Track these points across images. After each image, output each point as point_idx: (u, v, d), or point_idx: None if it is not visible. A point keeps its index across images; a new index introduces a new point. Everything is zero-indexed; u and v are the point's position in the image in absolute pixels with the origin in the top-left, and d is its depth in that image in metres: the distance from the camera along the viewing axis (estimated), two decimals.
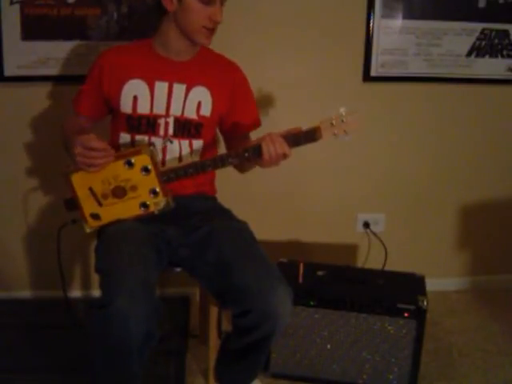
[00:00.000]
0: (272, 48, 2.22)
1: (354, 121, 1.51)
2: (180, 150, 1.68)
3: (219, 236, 1.60)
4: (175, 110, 1.67)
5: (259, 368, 1.70)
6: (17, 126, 2.20)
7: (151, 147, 1.54)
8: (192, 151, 1.70)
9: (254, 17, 2.18)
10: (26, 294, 2.38)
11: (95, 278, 1.56)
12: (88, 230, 1.60)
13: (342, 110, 1.50)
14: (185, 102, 1.67)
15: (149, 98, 1.66)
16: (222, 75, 1.74)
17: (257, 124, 1.82)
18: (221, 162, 1.55)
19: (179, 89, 1.67)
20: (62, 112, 2.16)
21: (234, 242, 1.58)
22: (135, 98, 1.66)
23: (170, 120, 1.67)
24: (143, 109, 1.66)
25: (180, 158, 1.68)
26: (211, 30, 1.62)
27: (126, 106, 1.66)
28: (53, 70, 2.12)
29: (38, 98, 2.17)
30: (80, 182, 1.55)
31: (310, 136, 1.52)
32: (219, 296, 1.57)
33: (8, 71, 2.10)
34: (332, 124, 1.51)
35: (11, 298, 2.34)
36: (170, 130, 1.67)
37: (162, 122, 1.66)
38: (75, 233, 2.15)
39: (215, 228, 1.62)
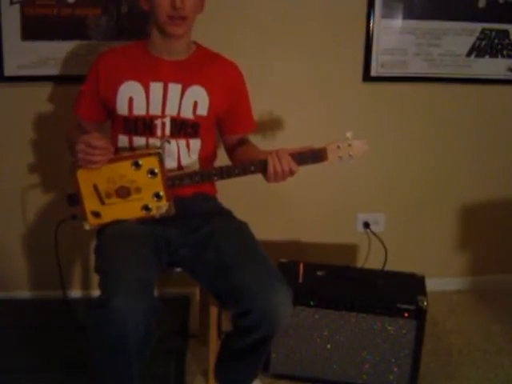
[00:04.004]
0: (272, 48, 2.22)
1: (361, 146, 1.56)
2: (178, 150, 1.68)
3: (219, 237, 1.60)
4: (171, 110, 1.66)
5: (259, 368, 1.70)
6: (17, 127, 2.20)
7: (160, 151, 1.55)
8: (189, 151, 1.70)
9: (253, 16, 2.18)
10: (24, 294, 2.38)
11: (95, 278, 1.56)
12: (87, 227, 1.60)
13: (349, 135, 1.54)
14: (181, 101, 1.66)
15: (144, 99, 1.65)
16: (220, 74, 1.73)
17: (253, 126, 1.84)
18: (227, 173, 1.57)
19: (175, 89, 1.66)
20: (62, 112, 2.17)
21: (234, 242, 1.59)
22: (131, 100, 1.65)
23: (167, 120, 1.66)
24: (139, 110, 1.66)
25: (178, 159, 1.68)
26: (178, 19, 1.59)
27: (122, 108, 1.66)
28: (53, 70, 2.12)
29: (38, 98, 2.17)
30: (85, 179, 1.55)
31: (316, 157, 1.55)
32: (219, 296, 1.57)
33: (8, 71, 2.10)
34: (338, 147, 1.55)
35: (10, 298, 2.34)
36: (167, 131, 1.66)
37: (158, 122, 1.66)
38: (75, 232, 2.16)
39: (215, 229, 1.63)
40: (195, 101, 1.68)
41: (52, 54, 2.10)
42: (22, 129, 2.20)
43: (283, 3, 2.18)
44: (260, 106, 2.18)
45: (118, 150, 1.68)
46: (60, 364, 1.91)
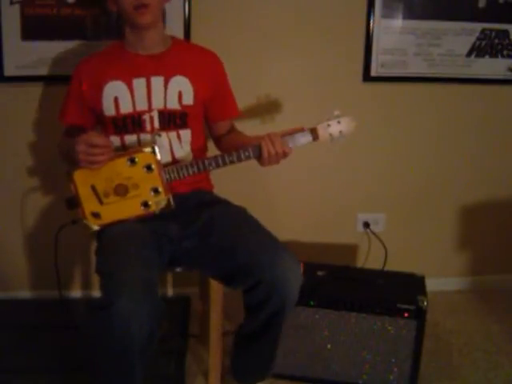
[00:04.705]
0: (272, 48, 2.22)
1: (350, 122, 1.60)
2: (169, 142, 1.69)
3: (220, 221, 1.63)
4: (157, 103, 1.67)
5: (274, 357, 1.68)
6: (16, 127, 2.20)
7: (155, 146, 1.57)
8: (181, 142, 1.70)
9: (253, 16, 2.18)
10: (25, 294, 2.38)
11: (95, 279, 1.56)
12: (95, 228, 1.59)
13: (337, 112, 1.59)
14: (165, 93, 1.68)
15: (129, 96, 1.67)
16: (200, 63, 1.75)
17: (238, 111, 1.86)
18: (222, 161, 1.58)
19: (157, 81, 1.67)
20: None
21: (234, 222, 1.62)
22: (116, 99, 1.66)
23: (154, 114, 1.67)
24: (126, 108, 1.67)
25: (171, 151, 1.69)
26: (142, 7, 1.59)
27: (108, 109, 1.67)
28: (53, 70, 2.12)
29: (38, 98, 2.17)
30: (82, 180, 1.56)
31: (307, 136, 1.59)
32: (228, 278, 1.58)
33: (8, 71, 2.10)
34: (328, 125, 1.59)
35: (10, 298, 2.34)
36: (156, 124, 1.68)
37: (146, 117, 1.67)
38: (75, 233, 2.16)
39: (215, 214, 1.65)
40: (179, 91, 1.69)
41: (52, 54, 2.10)
42: (22, 129, 2.20)
43: (283, 3, 2.18)
44: (260, 106, 2.18)
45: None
46: (60, 364, 1.90)
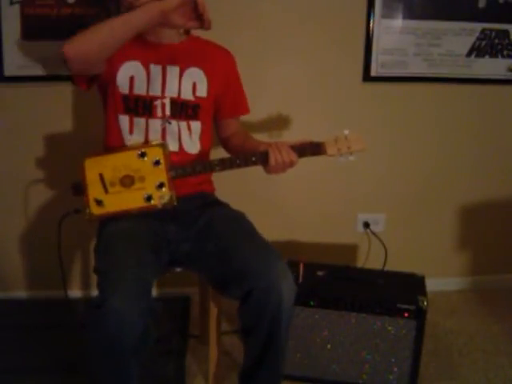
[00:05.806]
0: (271, 49, 2.22)
1: (358, 138, 1.60)
2: (179, 131, 1.69)
3: (218, 225, 1.63)
4: (171, 91, 1.68)
5: (282, 370, 1.65)
6: (17, 127, 2.20)
7: (164, 142, 1.61)
8: (191, 133, 1.71)
9: (254, 16, 2.18)
10: (23, 294, 2.38)
11: (95, 278, 1.56)
12: (87, 217, 1.58)
13: (346, 132, 1.60)
14: (180, 83, 1.69)
15: (145, 78, 1.67)
16: (215, 57, 1.76)
17: (248, 108, 1.86)
18: (229, 163, 1.59)
19: (173, 71, 1.68)
20: (61, 111, 2.17)
21: (232, 228, 1.62)
22: (132, 79, 1.66)
23: (167, 101, 1.68)
24: (139, 89, 1.66)
25: (179, 140, 1.69)
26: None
27: (123, 86, 1.66)
28: (53, 70, 2.12)
29: (38, 98, 2.17)
30: (92, 167, 1.58)
31: (314, 150, 1.61)
32: (223, 284, 1.57)
33: (8, 71, 2.10)
34: (336, 141, 1.60)
35: (9, 298, 2.34)
36: (168, 112, 1.68)
37: (158, 103, 1.67)
38: (75, 231, 2.16)
39: (213, 218, 1.66)
40: (194, 82, 1.70)
41: (52, 54, 2.09)
42: (21, 129, 2.20)
43: (283, 4, 2.18)
44: (261, 106, 2.18)
45: (119, 131, 1.68)
46: (60, 364, 1.90)
